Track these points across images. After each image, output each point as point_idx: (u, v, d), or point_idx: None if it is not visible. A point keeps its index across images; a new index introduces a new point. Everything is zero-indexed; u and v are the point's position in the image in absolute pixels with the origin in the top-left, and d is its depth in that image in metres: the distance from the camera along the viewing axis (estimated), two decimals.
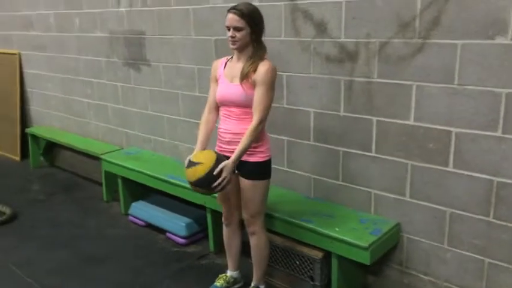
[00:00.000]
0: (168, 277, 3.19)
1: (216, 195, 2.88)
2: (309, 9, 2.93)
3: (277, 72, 3.12)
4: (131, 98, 4.35)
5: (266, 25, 3.12)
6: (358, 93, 2.82)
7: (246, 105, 2.58)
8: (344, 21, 2.79)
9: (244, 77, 2.55)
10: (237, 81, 2.57)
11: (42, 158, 5.54)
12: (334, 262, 2.76)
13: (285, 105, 3.19)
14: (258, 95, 2.53)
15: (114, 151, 4.36)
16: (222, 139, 2.68)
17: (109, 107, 4.60)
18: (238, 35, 2.51)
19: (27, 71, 5.63)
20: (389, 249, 2.86)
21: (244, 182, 2.66)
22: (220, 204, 2.89)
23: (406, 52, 2.58)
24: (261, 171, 2.66)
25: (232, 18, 2.51)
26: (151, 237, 3.76)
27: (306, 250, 2.87)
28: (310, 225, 2.79)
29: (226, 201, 2.84)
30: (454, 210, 2.58)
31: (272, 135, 3.28)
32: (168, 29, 3.83)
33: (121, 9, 4.15)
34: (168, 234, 3.71)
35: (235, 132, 2.62)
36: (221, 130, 2.69)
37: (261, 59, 2.57)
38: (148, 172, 3.74)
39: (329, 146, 3.03)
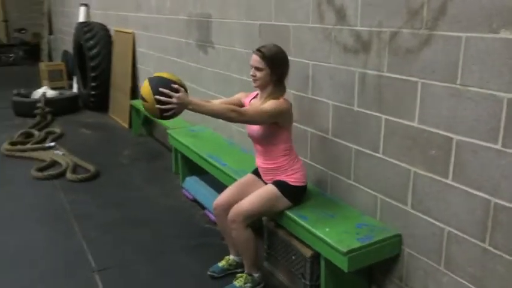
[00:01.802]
0: (184, 249, 3.36)
1: None
2: None
3: (304, 60, 3.05)
4: (199, 79, 4.57)
5: (293, 11, 3.05)
6: (370, 88, 2.59)
7: (265, 142, 2.74)
8: (360, 7, 2.57)
9: None
10: None
11: (142, 128, 6.14)
12: (323, 263, 2.62)
13: (310, 96, 3.06)
14: (258, 107, 2.63)
15: (183, 127, 4.65)
16: (260, 173, 2.90)
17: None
18: (258, 74, 2.64)
19: (138, 49, 6.26)
20: (389, 261, 2.60)
21: (270, 185, 2.79)
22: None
23: (413, 44, 2.28)
24: (287, 189, 2.75)
25: (254, 59, 2.65)
26: (192, 211, 3.97)
27: (300, 246, 2.76)
28: (303, 222, 2.67)
29: (234, 190, 2.88)
30: (451, 230, 2.24)
31: (298, 125, 3.20)
32: (226, 12, 3.92)
33: None
34: (205, 211, 3.87)
35: (263, 167, 2.84)
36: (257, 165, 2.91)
37: (276, 98, 2.64)
38: (194, 149, 3.93)
39: (343, 142, 2.84)
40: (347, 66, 2.71)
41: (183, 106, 2.47)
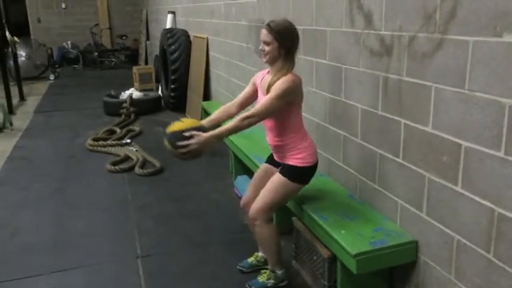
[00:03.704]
0: (224, 243, 3.55)
1: None
2: None
3: (338, 64, 3.09)
4: None
5: (330, 16, 3.11)
6: (391, 92, 2.58)
7: (277, 116, 2.71)
8: (384, 12, 2.57)
9: (267, 90, 2.68)
10: (265, 93, 2.73)
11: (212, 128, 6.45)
12: (339, 264, 2.65)
13: (343, 99, 3.09)
14: (265, 97, 2.65)
15: None
16: (272, 151, 2.95)
17: None
18: (267, 48, 2.67)
19: (211, 53, 6.60)
20: (407, 268, 2.57)
21: (276, 174, 2.82)
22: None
23: (427, 48, 2.26)
24: (292, 173, 2.75)
25: (262, 33, 2.70)
26: (237, 208, 4.13)
27: (320, 247, 2.81)
28: (322, 223, 2.73)
29: (253, 187, 3.01)
30: (460, 238, 2.18)
31: (333, 128, 3.25)
32: (277, 17, 4.03)
33: None
34: None
35: (271, 144, 2.85)
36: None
37: (285, 74, 2.65)
38: (242, 149, 4.11)
39: (369, 146, 2.85)
40: (373, 70, 2.72)
41: (204, 144, 2.60)
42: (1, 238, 3.72)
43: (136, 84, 9.77)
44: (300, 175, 2.77)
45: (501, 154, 1.90)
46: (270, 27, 2.64)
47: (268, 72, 2.83)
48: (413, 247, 2.49)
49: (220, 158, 5.48)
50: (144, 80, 9.75)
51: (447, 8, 2.10)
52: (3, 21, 8.65)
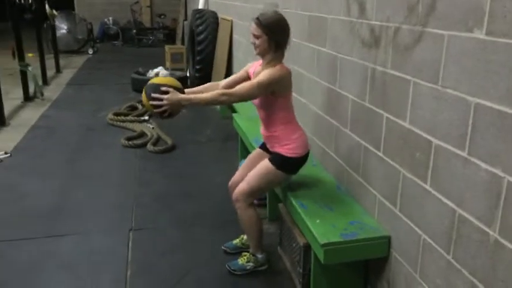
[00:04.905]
0: (215, 224, 3.61)
1: None
2: None
3: (334, 53, 3.05)
4: None
5: (331, 3, 3.06)
6: (377, 84, 2.53)
7: (265, 108, 2.75)
8: (376, 0, 2.50)
9: None
10: None
11: (229, 110, 6.48)
12: (312, 253, 2.65)
13: (337, 89, 3.05)
14: (249, 81, 2.67)
15: (249, 112, 4.85)
16: (264, 141, 2.98)
17: None
18: (256, 41, 2.68)
19: (234, 36, 6.60)
20: (381, 263, 2.54)
21: (264, 160, 2.85)
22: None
23: (409, 41, 2.19)
24: (279, 162, 2.78)
25: (252, 26, 2.69)
26: None
27: (298, 234, 2.81)
28: (300, 211, 2.73)
29: (243, 169, 3.03)
30: (426, 237, 2.14)
31: (327, 118, 3.22)
32: (289, 2, 4.00)
33: None
34: None
35: (264, 134, 2.89)
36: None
37: (274, 66, 2.66)
38: (246, 132, 4.12)
39: (356, 138, 2.81)
40: (363, 60, 2.67)
41: (175, 104, 2.63)
42: (7, 201, 3.92)
43: (168, 63, 9.94)
44: (286, 164, 2.79)
45: (465, 154, 1.84)
46: (259, 21, 2.64)
47: (261, 64, 2.84)
48: (385, 242, 2.46)
49: (232, 142, 5.52)
50: (176, 59, 9.93)
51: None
52: None
